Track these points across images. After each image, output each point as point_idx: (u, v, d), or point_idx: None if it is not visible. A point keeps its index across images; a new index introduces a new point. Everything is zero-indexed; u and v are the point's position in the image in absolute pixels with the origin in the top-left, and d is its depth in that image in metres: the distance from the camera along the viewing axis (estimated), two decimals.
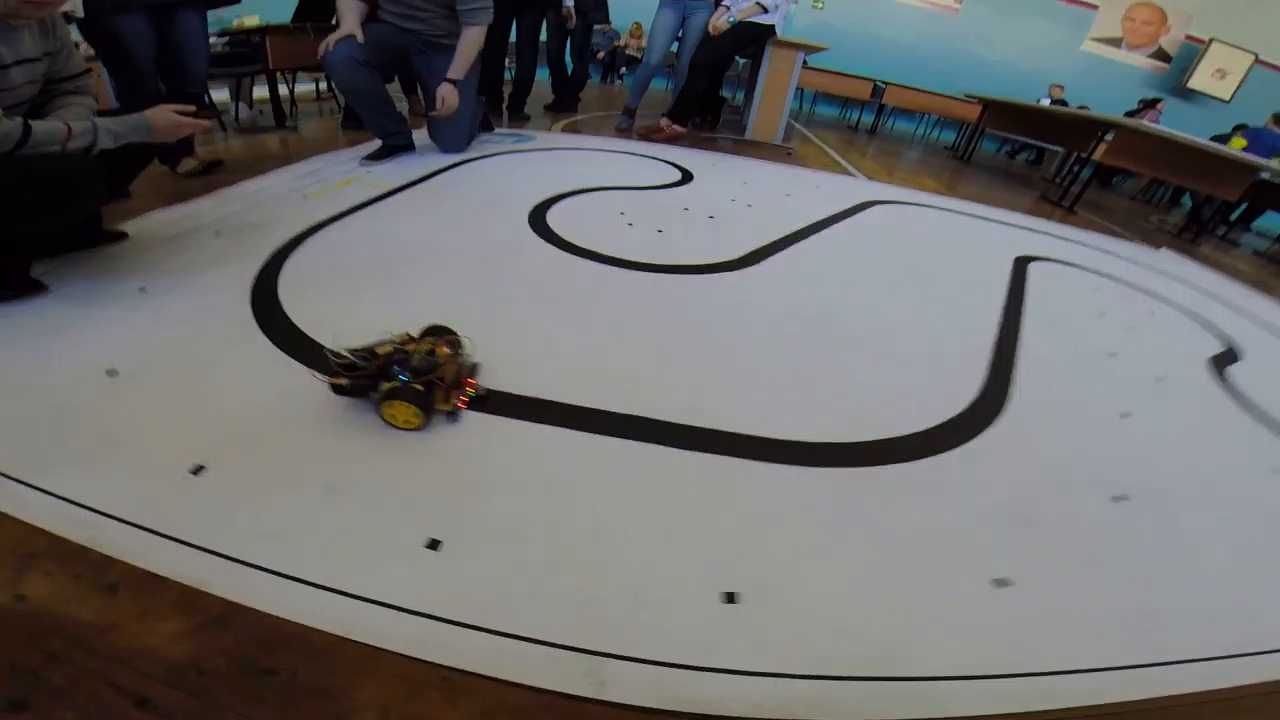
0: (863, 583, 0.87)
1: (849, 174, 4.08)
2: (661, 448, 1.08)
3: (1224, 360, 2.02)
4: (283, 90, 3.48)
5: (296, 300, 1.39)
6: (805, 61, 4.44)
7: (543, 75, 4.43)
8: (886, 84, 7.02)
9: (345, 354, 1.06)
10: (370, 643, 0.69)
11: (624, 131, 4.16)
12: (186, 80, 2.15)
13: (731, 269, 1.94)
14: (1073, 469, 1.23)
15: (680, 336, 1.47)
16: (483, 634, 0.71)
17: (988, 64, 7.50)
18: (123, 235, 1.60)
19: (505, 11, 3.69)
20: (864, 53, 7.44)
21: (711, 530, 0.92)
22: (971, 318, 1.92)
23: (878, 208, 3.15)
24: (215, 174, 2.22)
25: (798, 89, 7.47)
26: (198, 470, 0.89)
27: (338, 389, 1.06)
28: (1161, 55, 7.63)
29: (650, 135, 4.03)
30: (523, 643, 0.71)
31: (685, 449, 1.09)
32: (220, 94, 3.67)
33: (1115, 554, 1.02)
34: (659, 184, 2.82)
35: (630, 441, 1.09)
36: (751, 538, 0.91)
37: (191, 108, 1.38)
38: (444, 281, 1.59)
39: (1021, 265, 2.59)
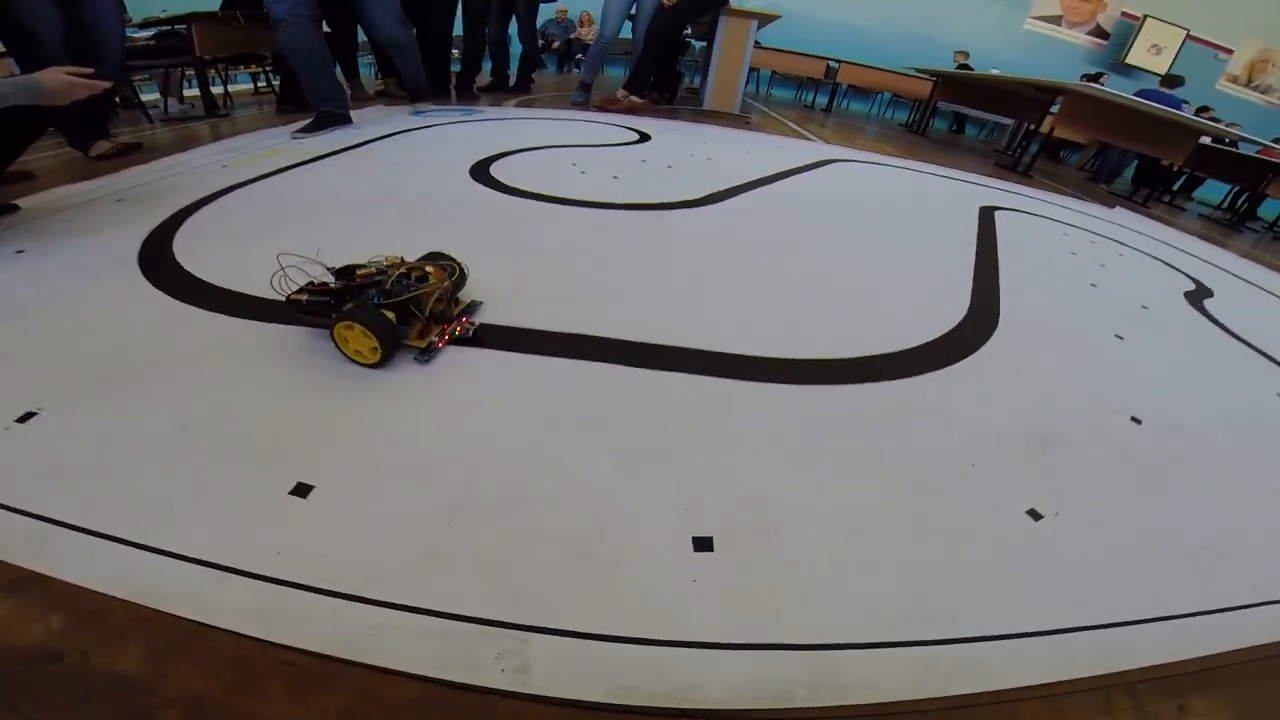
0: (868, 520, 0.72)
1: (809, 140, 4.02)
2: (618, 367, 0.92)
3: (1199, 295, 1.98)
4: (218, 91, 3.18)
5: (195, 249, 1.19)
6: (759, 42, 4.36)
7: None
8: (840, 62, 7.04)
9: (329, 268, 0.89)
10: (193, 617, 0.51)
11: (579, 105, 3.99)
12: (100, 66, 1.91)
13: (694, 206, 1.80)
14: (1080, 388, 1.13)
15: (641, 264, 1.32)
16: (354, 604, 0.53)
17: (936, 43, 7.60)
18: (13, 208, 1.40)
19: None
20: (817, 34, 7.46)
21: (681, 460, 0.76)
22: (945, 251, 1.83)
23: (840, 164, 3.07)
24: (131, 156, 1.97)
25: (753, 70, 7.49)
26: (25, 418, 0.71)
27: (296, 306, 0.89)
28: (1100, 32, 7.87)
29: (607, 106, 3.87)
30: (411, 615, 0.53)
31: (643, 367, 0.93)
32: (151, 96, 3.34)
33: (1153, 480, 0.89)
34: (614, 143, 2.65)
35: (582, 362, 0.92)
36: (730, 467, 0.76)
37: (88, 70, 1.24)
38: (375, 226, 1.40)
39: (988, 213, 2.54)
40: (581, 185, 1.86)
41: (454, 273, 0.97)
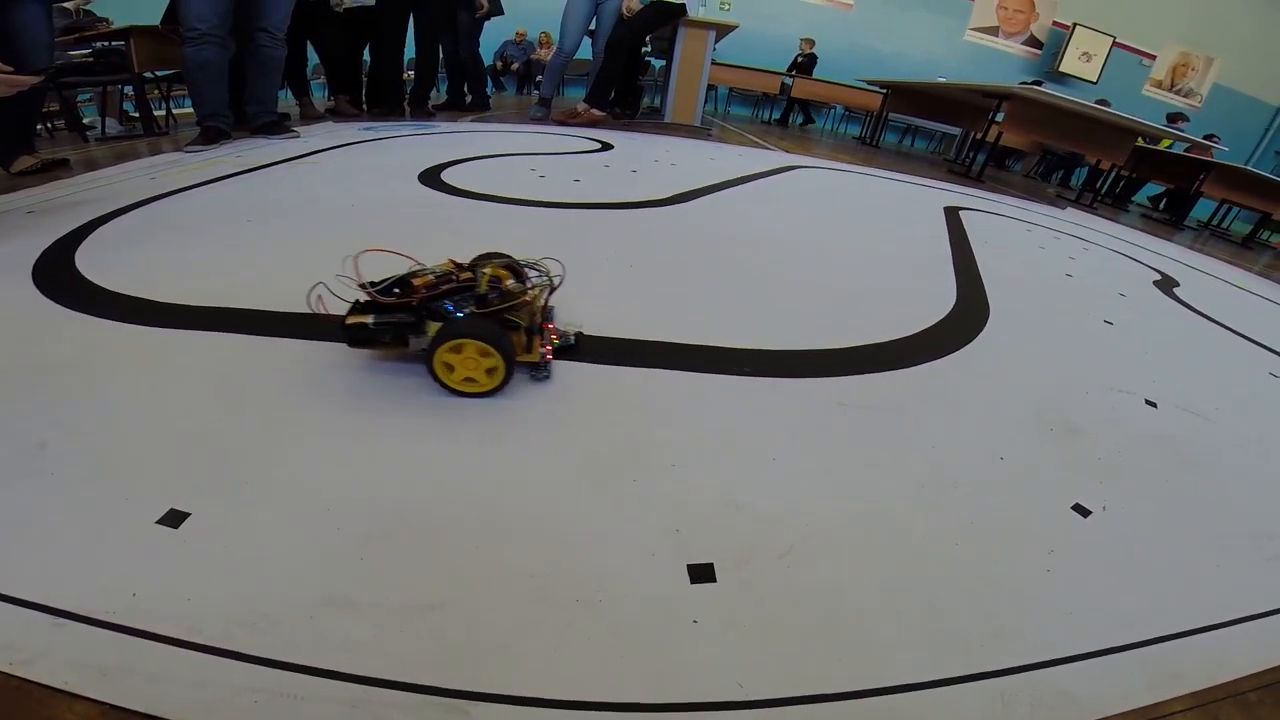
0: (899, 525, 0.61)
1: (769, 149, 4.03)
2: (583, 364, 0.81)
3: (1167, 284, 2.00)
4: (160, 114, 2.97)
5: (105, 258, 1.03)
6: (715, 59, 4.40)
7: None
8: (794, 76, 7.21)
9: (365, 284, 0.68)
10: (10, 670, 0.37)
11: (539, 120, 3.91)
12: (24, 71, 1.74)
13: (662, 205, 1.71)
14: (1086, 372, 1.07)
15: (605, 259, 1.21)
16: (228, 661, 0.40)
17: (882, 56, 7.90)
18: None
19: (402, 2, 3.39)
20: (771, 52, 7.64)
21: (664, 470, 0.64)
22: (922, 246, 1.79)
23: (802, 170, 3.06)
24: (55, 172, 1.77)
25: (712, 88, 7.59)
26: None
27: (355, 336, 0.69)
28: (1034, 42, 8.27)
29: (568, 120, 3.80)
30: (306, 677, 0.39)
31: (612, 365, 0.82)
32: (91, 117, 3.11)
33: (1190, 465, 0.82)
34: (576, 150, 2.57)
35: (561, 362, 0.80)
36: (727, 475, 0.65)
37: (8, 68, 1.14)
38: (313, 232, 1.25)
39: (953, 212, 2.54)
40: (540, 188, 1.75)
41: (525, 278, 0.78)
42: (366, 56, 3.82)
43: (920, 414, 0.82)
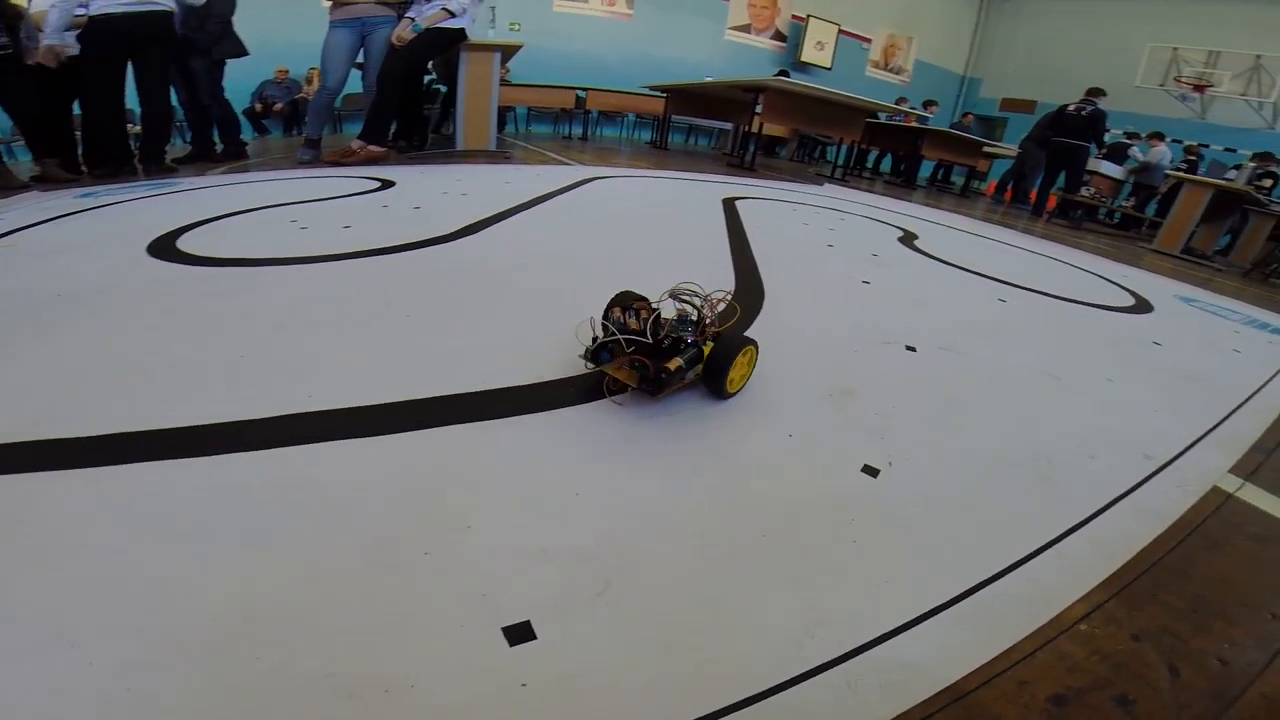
0: (710, 532, 0.62)
1: (568, 164, 4.11)
2: (341, 443, 0.73)
3: (909, 238, 2.41)
4: None
5: None
6: (510, 80, 4.37)
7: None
8: (587, 90, 7.45)
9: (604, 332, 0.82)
10: None
11: (308, 163, 3.55)
12: None
13: (445, 241, 1.63)
14: (853, 332, 1.23)
15: (364, 316, 1.12)
16: None
17: (660, 61, 8.48)
18: None
19: (115, 48, 2.85)
20: (563, 68, 7.81)
21: (456, 533, 0.60)
22: (701, 239, 1.94)
23: (599, 181, 3.16)
24: None
25: (510, 109, 7.54)
26: None
27: (654, 379, 0.78)
28: (779, 36, 9.42)
29: (342, 160, 3.50)
30: None
31: (375, 435, 0.75)
32: None
33: (957, 400, 0.96)
34: (349, 193, 2.36)
35: (299, 447, 0.71)
36: (521, 521, 0.62)
37: None
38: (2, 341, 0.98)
39: (730, 203, 2.80)
40: (301, 241, 1.58)
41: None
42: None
43: (713, 414, 0.86)
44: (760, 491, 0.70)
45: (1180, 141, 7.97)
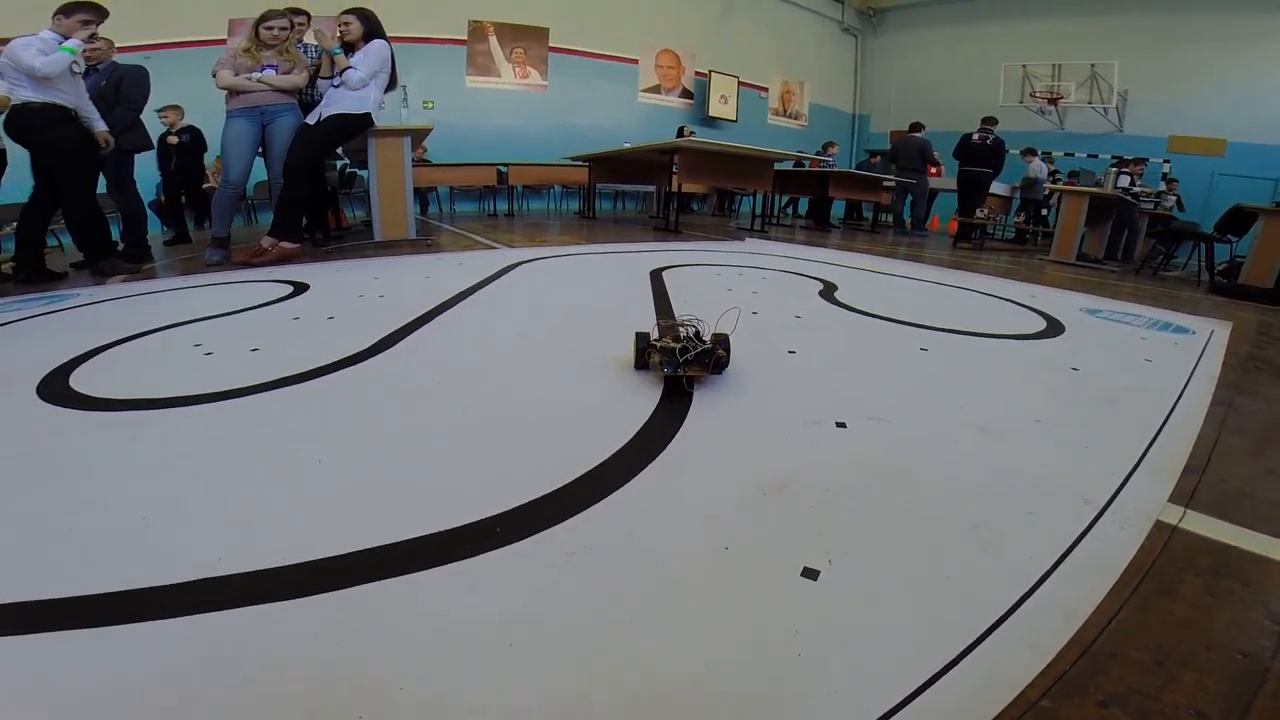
0: (635, 673, 0.57)
1: (494, 248, 4.10)
2: (256, 608, 0.63)
3: (829, 291, 2.50)
4: None
5: None
6: (428, 160, 4.36)
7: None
8: (509, 165, 7.53)
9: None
10: None
11: (217, 265, 3.38)
12: None
13: (359, 361, 1.54)
14: (783, 412, 1.22)
15: (273, 460, 1.01)
16: None
17: (579, 129, 8.66)
18: None
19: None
20: (483, 142, 7.82)
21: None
22: (627, 319, 1.92)
23: (525, 266, 3.15)
24: None
25: (432, 190, 7.52)
26: None
27: (717, 364, 1.33)
28: (686, 93, 9.80)
29: (253, 261, 3.35)
30: None
31: (285, 599, 0.65)
32: None
33: (895, 478, 0.96)
34: (258, 304, 2.24)
35: (220, 614, 0.60)
36: (475, 696, 0.54)
37: None
38: None
39: (657, 275, 2.85)
40: (204, 373, 1.45)
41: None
42: None
43: (645, 528, 0.82)
44: (697, 612, 0.67)
45: (1049, 154, 8.76)
